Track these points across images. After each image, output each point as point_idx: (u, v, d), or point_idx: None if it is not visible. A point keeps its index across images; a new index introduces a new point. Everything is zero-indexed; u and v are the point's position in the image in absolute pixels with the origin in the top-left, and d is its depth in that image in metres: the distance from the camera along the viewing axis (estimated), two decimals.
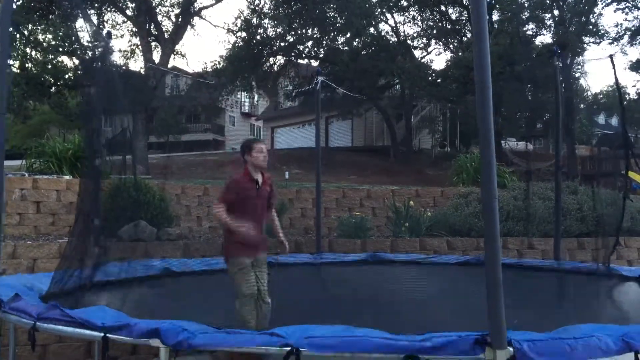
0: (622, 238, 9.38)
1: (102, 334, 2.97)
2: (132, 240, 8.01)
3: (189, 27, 22.04)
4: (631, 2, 25.40)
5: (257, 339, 3.08)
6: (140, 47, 21.35)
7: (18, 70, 18.51)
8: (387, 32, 27.63)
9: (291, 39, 23.99)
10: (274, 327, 3.24)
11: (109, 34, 6.43)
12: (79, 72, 19.46)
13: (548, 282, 7.27)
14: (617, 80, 6.33)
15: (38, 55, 20.02)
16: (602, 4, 25.79)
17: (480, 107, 2.58)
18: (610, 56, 6.00)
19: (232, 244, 4.56)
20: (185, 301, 5.55)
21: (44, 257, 7.04)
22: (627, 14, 26.08)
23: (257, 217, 4.63)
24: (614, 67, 6.03)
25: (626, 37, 26.28)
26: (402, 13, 27.61)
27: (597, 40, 25.51)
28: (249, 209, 4.57)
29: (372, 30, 24.75)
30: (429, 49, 28.33)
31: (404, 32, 28.57)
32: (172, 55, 21.69)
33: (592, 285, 6.77)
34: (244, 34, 23.27)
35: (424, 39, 27.77)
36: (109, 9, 21.82)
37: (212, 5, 22.64)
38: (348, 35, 23.70)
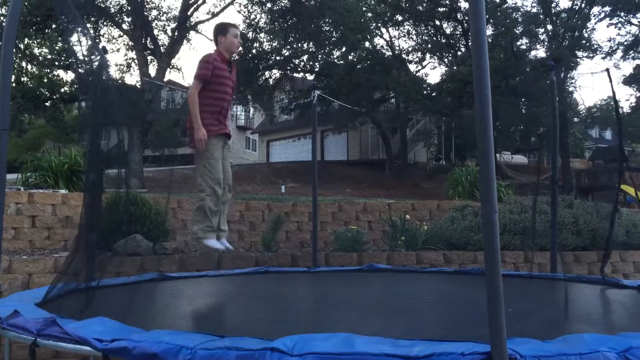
0: (618, 252, 9.41)
1: (102, 354, 2.95)
2: (128, 254, 7.96)
3: (185, 41, 22.16)
4: (624, 18, 25.68)
5: (256, 355, 3.05)
6: (136, 61, 21.42)
7: (14, 84, 18.53)
8: (382, 46, 27.89)
9: (287, 53, 24.12)
10: (273, 337, 3.20)
11: (104, 49, 6.46)
12: (74, 86, 19.50)
13: (545, 291, 7.26)
14: (614, 93, 6.38)
15: (34, 69, 20.06)
16: (595, 19, 26.13)
17: (479, 120, 2.59)
18: (607, 70, 6.04)
19: (203, 123, 4.44)
20: (186, 305, 5.48)
21: (39, 272, 6.99)
22: (619, 29, 26.44)
23: (226, 101, 4.52)
24: (610, 81, 6.07)
25: (619, 52, 26.59)
26: (397, 27, 27.88)
27: (591, 55, 25.78)
28: (219, 90, 4.50)
29: (367, 44, 24.93)
30: (424, 63, 28.62)
31: (398, 46, 28.87)
32: (168, 69, 21.77)
33: (589, 295, 6.76)
34: (240, 48, 23.36)
35: (419, 53, 28.04)
36: (105, 23, 21.91)
37: (208, 20, 22.76)
38: (343, 49, 23.87)
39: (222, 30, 4.56)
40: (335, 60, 25.03)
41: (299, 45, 23.61)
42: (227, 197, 4.45)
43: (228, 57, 4.54)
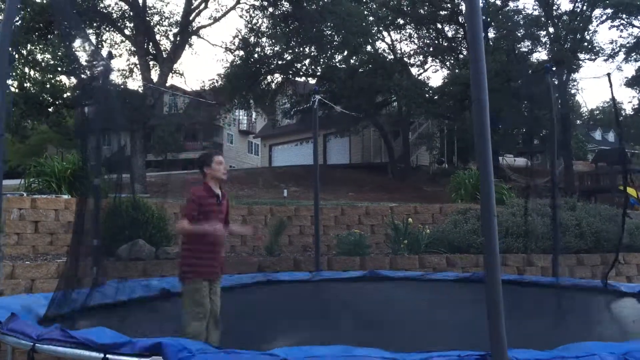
0: (621, 254, 9.38)
1: (102, 355, 2.95)
2: (130, 259, 7.97)
3: (187, 46, 22.17)
4: (625, 20, 25.66)
5: (256, 359, 3.06)
6: (138, 66, 21.45)
7: (17, 90, 18.58)
8: (384, 50, 27.90)
9: (289, 57, 24.13)
10: (272, 345, 3.22)
11: (109, 54, 6.49)
12: (77, 91, 19.55)
13: (547, 298, 7.24)
14: (614, 100, 6.35)
15: (37, 75, 20.11)
16: (596, 21, 26.11)
17: (477, 124, 2.59)
18: (608, 75, 6.03)
19: (189, 265, 4.34)
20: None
21: (42, 277, 7.00)
22: (621, 31, 26.38)
23: (217, 235, 4.48)
24: (611, 86, 6.08)
25: (621, 54, 26.54)
26: (398, 31, 27.90)
27: (593, 57, 25.76)
28: (209, 223, 4.35)
29: (369, 48, 24.92)
30: (426, 66, 28.64)
31: (400, 49, 28.88)
32: (171, 74, 21.78)
33: (592, 302, 6.75)
34: (241, 53, 23.41)
35: (421, 56, 28.05)
36: (107, 29, 21.95)
37: (210, 25, 22.82)
38: (345, 53, 23.86)
39: (205, 161, 4.54)
40: (337, 64, 25.03)
41: (301, 49, 23.62)
42: (214, 329, 4.36)
43: (216, 185, 4.51)
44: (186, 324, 4.19)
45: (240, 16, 23.01)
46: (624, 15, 25.28)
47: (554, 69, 7.90)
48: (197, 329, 4.12)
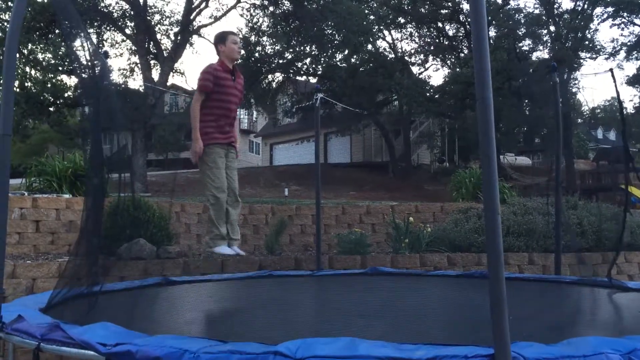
0: (622, 253, 9.36)
1: (105, 358, 2.95)
2: (132, 259, 7.97)
3: (188, 45, 22.19)
4: (627, 18, 25.64)
5: (259, 359, 3.04)
6: (139, 65, 21.46)
7: (17, 89, 18.59)
8: (384, 49, 27.93)
9: (289, 56, 24.14)
10: (276, 342, 3.19)
11: (105, 53, 6.48)
12: (78, 90, 19.56)
13: (550, 294, 7.23)
14: (618, 93, 6.34)
15: (37, 74, 20.12)
16: (597, 20, 26.10)
17: (482, 123, 2.58)
18: (611, 70, 6.01)
19: (206, 131, 4.41)
20: (188, 311, 5.48)
21: (44, 277, 7.00)
22: (622, 29, 26.39)
23: (231, 110, 4.47)
24: (614, 81, 6.05)
25: (622, 53, 26.54)
26: (399, 30, 27.90)
27: (594, 56, 25.76)
28: (222, 100, 4.44)
29: (369, 47, 24.93)
30: (427, 65, 28.64)
31: (401, 48, 28.96)
32: (171, 73, 21.80)
33: (595, 298, 6.73)
34: (242, 52, 23.41)
35: (422, 55, 28.06)
36: (108, 28, 21.97)
37: (210, 24, 22.83)
38: (346, 52, 23.86)
39: (221, 39, 4.55)
40: (338, 63, 25.04)
41: (302, 48, 23.63)
42: (234, 205, 4.39)
43: (230, 65, 4.50)
44: (207, 195, 4.34)
45: (241, 15, 23.12)
46: (625, 14, 25.27)
47: (556, 67, 7.87)
48: (216, 197, 4.16)
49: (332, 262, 9.07)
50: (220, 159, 4.35)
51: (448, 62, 27.38)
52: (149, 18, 21.30)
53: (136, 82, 24.03)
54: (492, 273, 2.59)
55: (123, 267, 7.43)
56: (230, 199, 4.37)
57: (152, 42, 21.44)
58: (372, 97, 25.18)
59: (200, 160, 4.39)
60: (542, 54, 26.82)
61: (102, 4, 20.91)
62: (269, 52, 23.86)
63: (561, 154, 8.30)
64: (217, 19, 22.50)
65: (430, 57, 28.00)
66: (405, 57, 27.85)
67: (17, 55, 17.99)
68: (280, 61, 24.46)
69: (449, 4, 25.52)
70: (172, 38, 22.01)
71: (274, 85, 27.07)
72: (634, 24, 26.06)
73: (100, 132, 5.30)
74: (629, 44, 26.26)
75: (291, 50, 23.50)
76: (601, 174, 24.62)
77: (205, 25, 22.78)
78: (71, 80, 21.08)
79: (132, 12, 20.93)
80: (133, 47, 21.87)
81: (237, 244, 4.71)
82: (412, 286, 7.80)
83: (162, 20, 22.17)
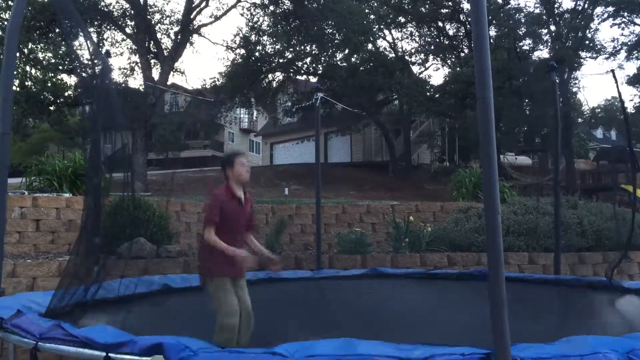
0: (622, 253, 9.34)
1: (105, 354, 2.95)
2: (132, 258, 7.97)
3: (188, 44, 22.18)
4: (627, 18, 25.62)
5: (259, 358, 3.05)
6: (139, 64, 21.45)
7: (18, 88, 18.57)
8: (385, 48, 27.91)
9: (290, 56, 24.11)
10: (275, 343, 3.21)
11: (107, 53, 6.49)
12: (78, 90, 19.55)
13: (550, 294, 7.24)
14: (620, 94, 6.33)
15: (38, 73, 20.10)
16: (598, 19, 26.08)
17: (482, 122, 2.58)
18: (612, 70, 6.01)
19: (214, 262, 4.15)
20: (185, 318, 5.50)
21: (44, 276, 7.01)
22: (623, 29, 26.37)
23: (239, 238, 4.28)
24: (616, 81, 6.05)
25: (623, 52, 26.52)
26: (399, 29, 27.88)
27: (594, 55, 25.74)
28: (231, 229, 4.22)
29: (370, 46, 24.91)
30: (427, 65, 28.60)
31: (401, 48, 28.94)
32: (172, 73, 21.79)
33: (595, 298, 6.74)
34: (242, 51, 23.40)
35: (422, 54, 28.03)
36: (108, 27, 21.96)
37: (211, 23, 22.84)
38: (346, 51, 23.84)
39: (228, 162, 4.33)
40: (338, 63, 25.02)
41: (302, 47, 23.61)
42: (248, 323, 4.19)
43: (239, 188, 4.31)
44: (219, 321, 4.03)
45: (241, 14, 23.07)
46: (626, 13, 25.25)
47: (556, 66, 7.87)
48: (229, 325, 3.97)
49: (332, 261, 9.07)
50: (228, 284, 4.16)
51: (448, 61, 27.36)
52: (149, 17, 21.28)
53: (136, 81, 24.02)
54: (492, 272, 2.59)
55: (123, 266, 7.42)
56: (242, 322, 4.19)
57: (152, 41, 21.44)
58: (373, 96, 25.16)
59: (210, 290, 4.19)
60: (542, 53, 26.84)
61: (103, 3, 20.92)
62: (269, 51, 23.84)
63: (560, 153, 8.30)
64: (217, 18, 22.51)
65: (431, 57, 27.98)
66: (406, 57, 27.84)
67: (18, 54, 18.01)
68: (281, 60, 24.43)
69: (450, 3, 25.50)
70: (173, 37, 22.02)
71: (274, 85, 27.05)
72: (635, 24, 26.06)
73: (100, 131, 5.30)
74: (629, 43, 26.26)
75: (291, 49, 23.48)
76: (601, 173, 24.61)
77: (206, 25, 22.83)
78: (71, 80, 21.08)
79: (132, 11, 20.92)
80: (133, 46, 21.87)
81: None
82: (412, 287, 7.81)
83: (162, 20, 22.16)
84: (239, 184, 4.36)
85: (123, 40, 22.35)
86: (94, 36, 20.54)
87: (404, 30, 27.97)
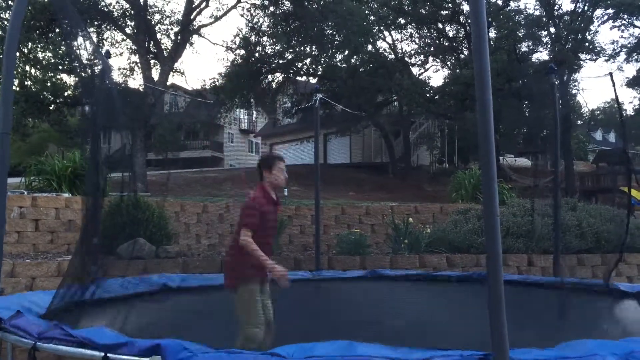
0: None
1: (103, 354, 2.95)
2: (131, 258, 7.97)
3: (188, 45, 22.16)
4: (627, 20, 25.64)
5: (258, 359, 3.05)
6: (139, 64, 21.44)
7: (17, 88, 18.57)
8: (384, 50, 27.92)
9: (289, 57, 24.12)
10: (274, 346, 3.21)
11: (107, 53, 6.49)
12: (78, 90, 19.56)
13: (549, 298, 7.24)
14: (617, 98, 6.34)
15: (37, 73, 20.10)
16: (598, 21, 26.09)
17: (481, 124, 2.58)
18: (610, 74, 6.02)
19: (246, 267, 4.05)
20: (184, 319, 5.50)
21: (43, 276, 7.00)
22: (622, 31, 26.38)
23: (270, 241, 4.22)
24: (613, 85, 6.06)
25: (622, 54, 26.54)
26: (399, 31, 27.88)
27: (594, 57, 25.74)
28: (266, 233, 4.14)
29: (370, 47, 24.91)
30: (427, 66, 28.63)
31: (401, 49, 28.90)
32: (171, 73, 21.78)
33: (593, 302, 6.74)
34: (242, 52, 23.40)
35: (422, 56, 28.03)
36: (108, 27, 21.95)
37: (211, 24, 22.83)
38: (346, 52, 23.84)
39: (267, 164, 4.22)
40: (338, 64, 25.02)
41: (302, 48, 23.61)
42: (268, 334, 4.10)
43: (273, 192, 4.24)
44: (244, 331, 3.95)
45: (241, 15, 23.04)
46: (626, 16, 25.25)
47: (555, 68, 7.87)
48: (256, 336, 3.89)
49: (331, 262, 9.07)
50: (256, 294, 4.07)
51: (448, 63, 27.37)
52: (149, 17, 21.28)
53: (136, 82, 24.00)
54: (492, 275, 2.59)
55: (122, 266, 7.43)
56: (265, 325, 4.11)
57: (152, 42, 21.43)
58: (372, 97, 25.16)
59: (242, 297, 4.08)
60: (542, 55, 26.85)
61: (102, 3, 20.90)
62: (269, 52, 23.84)
63: (559, 155, 8.30)
64: (217, 18, 22.49)
65: (431, 58, 28.00)
66: (406, 58, 27.86)
67: (17, 54, 18.01)
68: (281, 61, 24.43)
69: (449, 5, 25.52)
70: (172, 37, 22.01)
71: (274, 86, 27.05)
72: (634, 26, 26.06)
73: (100, 131, 5.30)
74: (629, 45, 26.27)
75: (291, 50, 23.47)
76: (600, 175, 24.63)
77: (206, 25, 22.79)
78: (71, 79, 21.07)
79: (132, 12, 20.91)
80: (133, 47, 21.85)
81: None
82: (411, 290, 7.81)
83: (162, 20, 22.16)
84: (273, 188, 4.28)
85: (123, 40, 22.35)
86: (94, 36, 20.54)
87: (404, 31, 27.99)
